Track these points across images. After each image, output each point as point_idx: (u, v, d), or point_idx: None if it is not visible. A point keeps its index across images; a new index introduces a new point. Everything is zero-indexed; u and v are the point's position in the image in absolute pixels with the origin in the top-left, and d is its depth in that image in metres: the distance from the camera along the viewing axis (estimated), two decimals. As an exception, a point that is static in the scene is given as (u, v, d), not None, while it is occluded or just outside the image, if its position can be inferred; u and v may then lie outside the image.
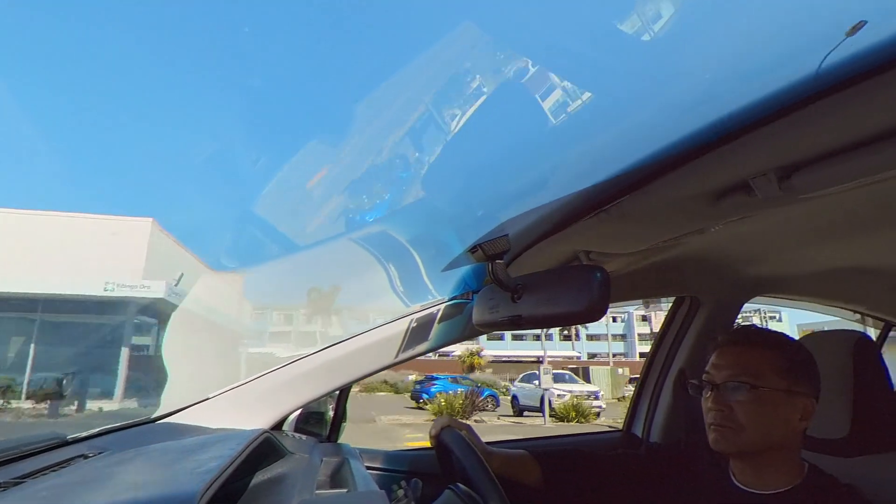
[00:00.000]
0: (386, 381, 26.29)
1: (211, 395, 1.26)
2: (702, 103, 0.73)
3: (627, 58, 0.75)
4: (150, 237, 13.55)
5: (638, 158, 0.85)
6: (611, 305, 1.04)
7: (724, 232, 1.23)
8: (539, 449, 1.34)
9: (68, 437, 1.02)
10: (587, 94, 0.91)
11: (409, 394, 21.08)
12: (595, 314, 0.92)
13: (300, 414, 1.48)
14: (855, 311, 2.13)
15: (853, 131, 0.75)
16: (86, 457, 0.91)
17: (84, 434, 1.05)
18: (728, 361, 1.02)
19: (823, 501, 0.94)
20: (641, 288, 1.73)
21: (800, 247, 1.47)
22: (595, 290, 0.92)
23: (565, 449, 1.40)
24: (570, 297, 0.96)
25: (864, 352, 1.18)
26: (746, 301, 1.88)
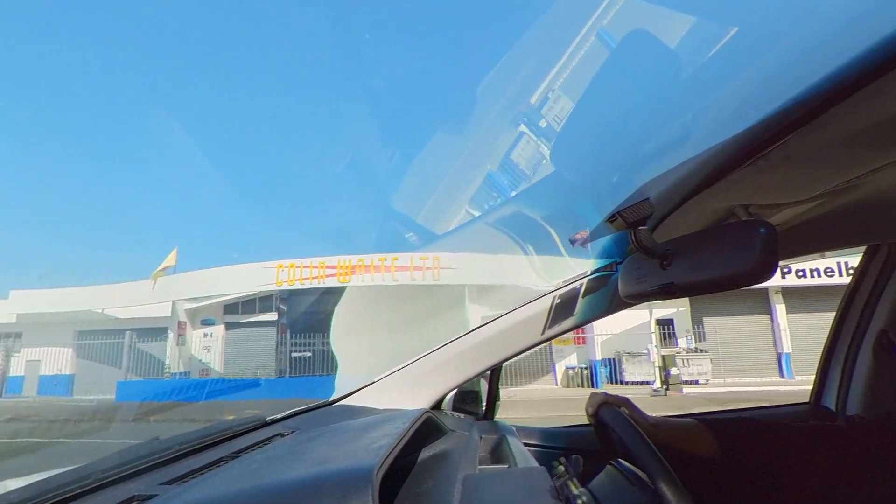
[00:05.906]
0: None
1: (376, 379, 1.38)
2: (886, 5, 0.60)
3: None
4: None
5: (801, 89, 0.72)
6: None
7: (927, 160, 1.01)
8: (713, 419, 1.23)
9: (268, 418, 1.20)
10: (728, 28, 0.80)
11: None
12: (763, 275, 0.82)
13: (456, 394, 1.55)
14: None
15: None
16: (282, 435, 1.06)
17: (279, 416, 1.23)
18: None
19: None
20: (819, 240, 1.49)
21: None
22: (760, 248, 0.82)
23: (744, 418, 1.26)
24: (730, 258, 0.87)
25: None
26: (968, 242, 1.53)
